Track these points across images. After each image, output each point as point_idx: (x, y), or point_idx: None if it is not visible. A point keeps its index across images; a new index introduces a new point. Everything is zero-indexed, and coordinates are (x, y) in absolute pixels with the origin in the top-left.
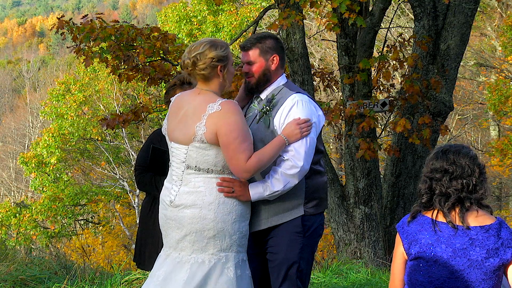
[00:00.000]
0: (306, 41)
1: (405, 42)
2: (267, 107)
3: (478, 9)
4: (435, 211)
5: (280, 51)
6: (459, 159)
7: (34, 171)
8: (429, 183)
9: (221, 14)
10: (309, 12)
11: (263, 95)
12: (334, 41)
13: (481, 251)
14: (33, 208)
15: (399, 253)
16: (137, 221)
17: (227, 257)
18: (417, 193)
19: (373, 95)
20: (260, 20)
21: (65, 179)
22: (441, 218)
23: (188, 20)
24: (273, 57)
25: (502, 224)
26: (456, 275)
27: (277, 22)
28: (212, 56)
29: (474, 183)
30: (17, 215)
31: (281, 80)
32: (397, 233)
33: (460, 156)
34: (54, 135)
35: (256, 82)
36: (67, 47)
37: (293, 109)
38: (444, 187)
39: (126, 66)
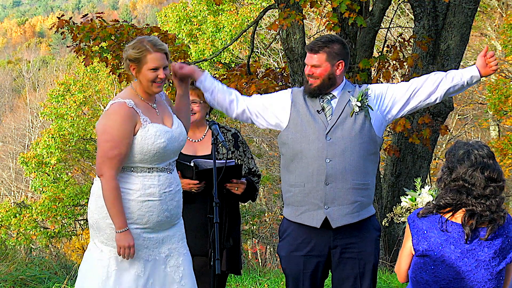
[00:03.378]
0: (306, 41)
1: (405, 42)
2: (366, 99)
3: (478, 9)
4: (448, 213)
5: (346, 56)
6: (497, 176)
7: (34, 171)
8: (461, 197)
9: (222, 14)
10: (309, 12)
11: (337, 92)
12: None
13: (489, 251)
14: (33, 208)
15: (407, 247)
16: None
17: (104, 249)
18: (437, 196)
19: None
20: (260, 20)
21: (65, 179)
22: (452, 218)
23: (188, 20)
24: (339, 63)
25: (510, 221)
26: (463, 275)
27: (277, 22)
28: (126, 55)
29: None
30: (17, 215)
31: (345, 80)
32: (407, 225)
33: (497, 172)
34: (54, 136)
35: (319, 85)
36: (67, 46)
37: (378, 89)
38: (479, 207)
39: None
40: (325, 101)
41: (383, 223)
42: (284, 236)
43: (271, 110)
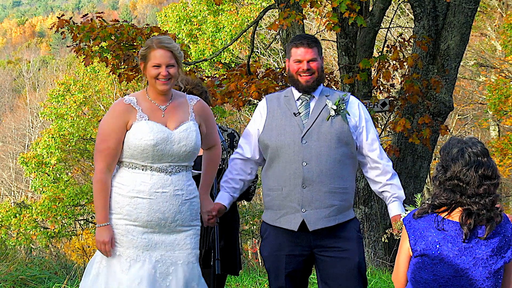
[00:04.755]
0: None
1: (405, 42)
2: (343, 104)
3: (478, 9)
4: (444, 212)
5: None
6: (492, 172)
7: (34, 171)
8: (455, 196)
9: (222, 14)
10: (309, 12)
11: (316, 94)
12: (334, 41)
13: (486, 249)
14: (33, 208)
15: (405, 249)
16: None
17: None
18: (432, 195)
19: (373, 95)
20: (260, 20)
21: (65, 179)
22: (448, 217)
23: (188, 20)
24: (322, 58)
25: (507, 220)
26: (461, 273)
27: (277, 22)
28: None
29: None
30: (17, 215)
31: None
32: (403, 227)
33: (492, 170)
34: (54, 136)
35: (317, 79)
36: (67, 46)
37: (362, 107)
38: (475, 206)
39: (126, 66)
40: (303, 103)
41: (382, 239)
42: (265, 236)
43: (259, 130)
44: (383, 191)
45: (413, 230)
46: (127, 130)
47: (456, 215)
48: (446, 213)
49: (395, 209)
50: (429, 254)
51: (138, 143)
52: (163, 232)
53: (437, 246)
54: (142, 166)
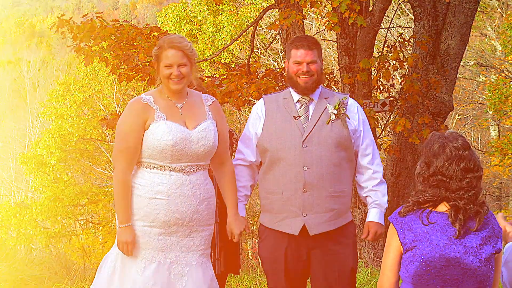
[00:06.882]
0: None
1: (405, 42)
2: (343, 108)
3: (478, 9)
4: (430, 206)
5: None
6: (474, 165)
7: (34, 171)
8: (440, 192)
9: (222, 14)
10: (309, 12)
11: (315, 96)
12: (334, 41)
13: (476, 238)
14: (33, 208)
15: (394, 247)
16: None
17: (116, 245)
18: (417, 192)
19: (373, 95)
20: (260, 20)
21: (65, 179)
22: (434, 209)
23: (188, 20)
24: (322, 61)
25: (492, 215)
26: (453, 262)
27: (277, 22)
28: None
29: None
30: (17, 215)
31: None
32: (390, 225)
33: (473, 162)
34: (54, 136)
35: (316, 81)
36: (67, 46)
37: (360, 110)
38: (460, 200)
39: (126, 66)
40: (303, 106)
41: None
42: (263, 237)
43: (257, 133)
44: (367, 196)
45: (400, 225)
46: (145, 130)
47: (441, 208)
48: (432, 208)
49: (372, 215)
50: (419, 245)
51: (157, 143)
52: (179, 234)
53: (426, 236)
54: (161, 166)
